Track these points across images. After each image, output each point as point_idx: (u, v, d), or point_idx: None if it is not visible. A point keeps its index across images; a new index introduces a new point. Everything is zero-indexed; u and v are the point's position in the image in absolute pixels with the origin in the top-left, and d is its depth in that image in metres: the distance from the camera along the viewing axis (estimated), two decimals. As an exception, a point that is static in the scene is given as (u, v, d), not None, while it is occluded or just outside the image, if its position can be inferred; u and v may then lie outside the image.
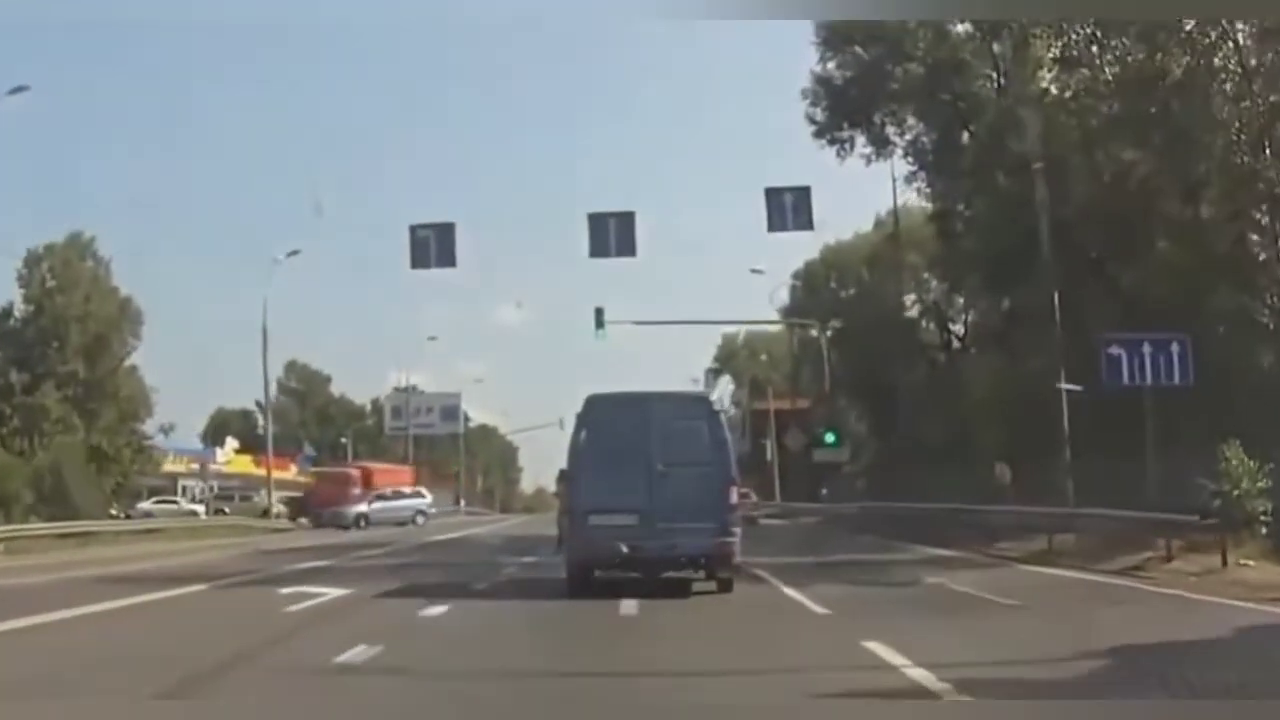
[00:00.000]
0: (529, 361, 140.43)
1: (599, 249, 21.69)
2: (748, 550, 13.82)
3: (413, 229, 22.15)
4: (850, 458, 44.87)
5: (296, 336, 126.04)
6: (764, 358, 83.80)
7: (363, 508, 46.82)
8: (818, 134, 31.12)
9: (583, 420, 12.73)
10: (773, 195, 22.13)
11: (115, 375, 49.77)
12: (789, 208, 22.09)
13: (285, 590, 13.52)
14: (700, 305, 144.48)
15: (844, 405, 53.11)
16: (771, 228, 22.10)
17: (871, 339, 46.82)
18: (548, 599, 12.76)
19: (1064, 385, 30.53)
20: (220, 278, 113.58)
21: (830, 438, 41.76)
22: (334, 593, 13.38)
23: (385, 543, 27.98)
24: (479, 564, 19.07)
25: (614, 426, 12.52)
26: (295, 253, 46.74)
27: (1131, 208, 24.18)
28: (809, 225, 22.26)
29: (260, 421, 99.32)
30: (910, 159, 32.36)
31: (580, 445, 12.64)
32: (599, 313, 40.63)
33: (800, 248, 53.84)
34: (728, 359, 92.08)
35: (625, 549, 12.23)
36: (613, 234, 21.56)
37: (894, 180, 33.52)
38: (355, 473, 56.41)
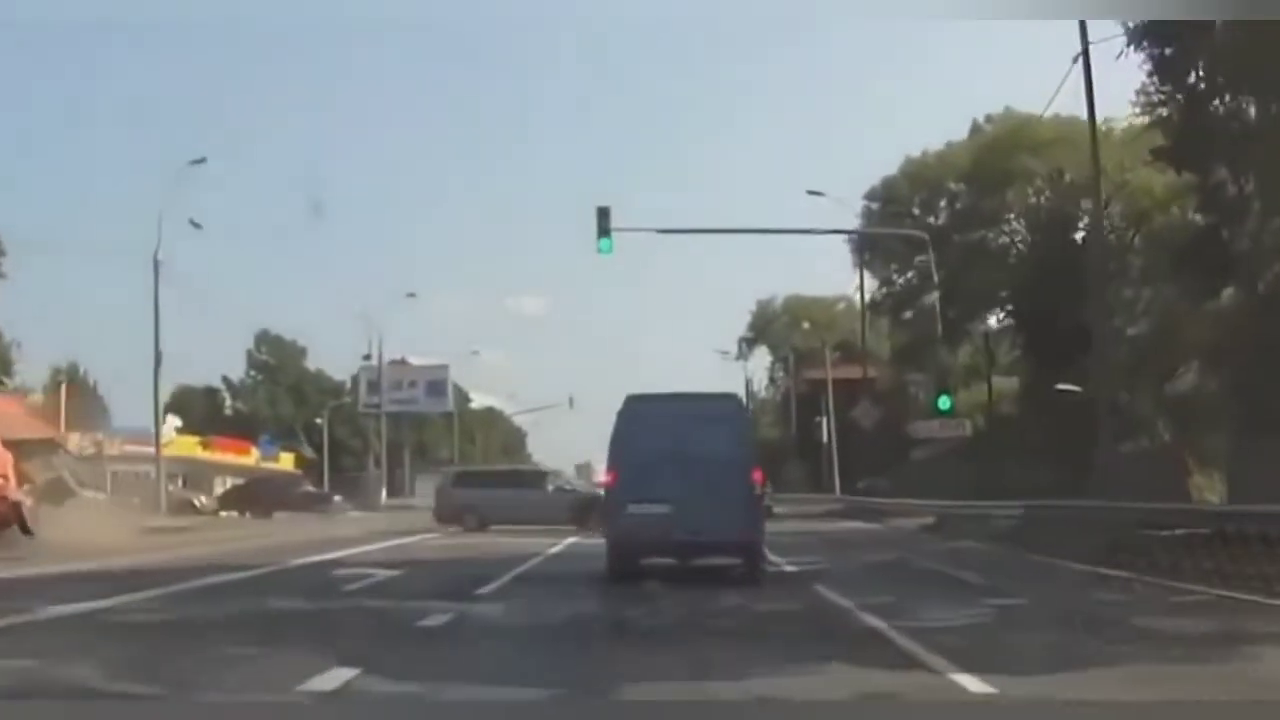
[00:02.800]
0: (542, 345, 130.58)
1: None
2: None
3: None
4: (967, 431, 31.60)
5: (271, 305, 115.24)
6: (806, 325, 72.35)
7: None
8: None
9: (622, 418, 13.66)
10: None
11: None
12: None
13: None
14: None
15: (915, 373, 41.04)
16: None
17: (988, 270, 34.05)
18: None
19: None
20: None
21: (944, 403, 28.52)
22: None
23: (163, 572, 14.21)
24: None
25: (650, 424, 13.39)
26: (201, 160, 38.45)
27: None
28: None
29: (228, 401, 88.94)
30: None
31: (620, 441, 13.53)
32: (602, 215, 27.53)
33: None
34: (764, 328, 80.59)
35: (659, 535, 13.09)
36: None
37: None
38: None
